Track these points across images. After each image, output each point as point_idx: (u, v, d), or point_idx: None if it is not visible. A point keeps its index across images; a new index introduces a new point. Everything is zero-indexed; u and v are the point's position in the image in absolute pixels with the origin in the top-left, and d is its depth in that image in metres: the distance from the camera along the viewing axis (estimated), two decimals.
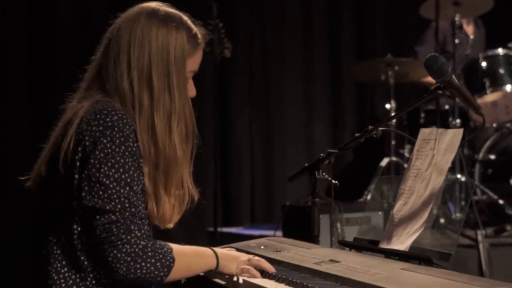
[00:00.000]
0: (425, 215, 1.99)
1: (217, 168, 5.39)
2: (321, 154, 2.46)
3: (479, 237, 4.07)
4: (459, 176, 4.65)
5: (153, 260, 1.76)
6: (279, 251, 2.24)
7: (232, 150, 5.73)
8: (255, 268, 1.95)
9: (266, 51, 5.88)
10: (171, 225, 1.93)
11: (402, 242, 2.00)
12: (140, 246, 1.75)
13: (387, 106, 5.07)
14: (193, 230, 5.20)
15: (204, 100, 5.43)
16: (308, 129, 6.03)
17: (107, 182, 1.75)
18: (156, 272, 1.77)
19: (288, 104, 5.96)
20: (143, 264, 1.75)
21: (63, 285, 1.78)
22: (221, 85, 5.54)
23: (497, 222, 4.50)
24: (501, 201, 4.60)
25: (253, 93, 5.85)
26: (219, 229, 5.19)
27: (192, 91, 1.93)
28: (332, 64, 6.10)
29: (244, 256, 2.00)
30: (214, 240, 4.99)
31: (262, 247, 2.33)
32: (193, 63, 1.91)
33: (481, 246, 4.04)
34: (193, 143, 1.93)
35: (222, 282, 1.98)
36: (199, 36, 1.91)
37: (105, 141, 1.76)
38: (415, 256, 1.91)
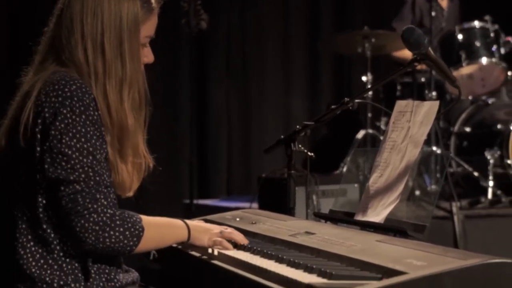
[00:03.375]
0: (400, 187, 1.99)
1: (193, 139, 5.37)
2: (297, 126, 2.45)
3: (454, 209, 4.11)
4: (434, 148, 4.68)
5: (121, 229, 1.75)
6: (255, 223, 2.24)
7: (209, 122, 5.71)
8: (229, 240, 1.94)
9: (244, 23, 5.84)
10: (131, 194, 1.92)
11: (378, 214, 2.00)
12: (108, 215, 1.73)
13: (364, 78, 5.07)
14: (169, 202, 5.21)
15: (180, 72, 5.39)
16: (285, 101, 6.02)
17: (69, 152, 1.74)
18: (125, 241, 1.75)
19: (265, 76, 5.94)
20: (112, 233, 1.73)
21: (30, 259, 1.77)
22: (198, 57, 5.50)
23: (472, 194, 4.55)
24: (476, 173, 4.65)
25: (230, 65, 5.81)
26: (195, 201, 5.18)
27: (149, 57, 1.92)
28: (310, 37, 6.08)
29: (216, 228, 2.00)
30: (190, 212, 4.98)
31: (238, 219, 2.33)
32: (148, 28, 1.88)
33: (455, 218, 4.08)
34: (146, 110, 1.92)
35: (197, 254, 1.97)
36: (153, 0, 1.89)
37: (65, 111, 1.74)
38: (390, 228, 1.91)
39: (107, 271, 1.82)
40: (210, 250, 1.93)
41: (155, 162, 1.97)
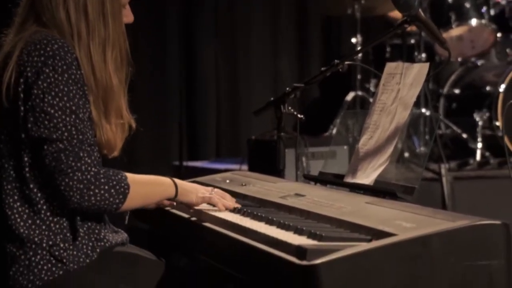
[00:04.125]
0: (390, 149, 2.00)
1: (182, 101, 5.34)
2: (287, 88, 2.44)
3: (443, 171, 4.13)
4: (423, 110, 4.68)
5: (106, 187, 1.74)
6: (245, 185, 2.24)
7: (197, 84, 5.67)
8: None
9: None
10: (116, 153, 1.92)
11: (367, 176, 2.01)
12: (92, 173, 1.73)
13: (353, 40, 5.04)
14: (158, 164, 5.20)
15: (167, 33, 5.33)
16: (274, 63, 5.98)
17: (52, 111, 1.73)
18: (111, 199, 1.75)
19: (254, 37, 5.89)
20: (97, 191, 1.73)
21: (18, 219, 1.76)
22: (186, 17, 5.44)
23: (461, 156, 4.56)
24: (464, 135, 4.66)
25: (219, 25, 5.76)
26: (184, 163, 5.18)
27: (129, 17, 1.92)
28: None
29: (206, 188, 2.00)
30: (179, 174, 4.98)
31: (228, 181, 2.34)
32: None
33: (444, 179, 4.10)
34: (127, 71, 1.91)
35: (185, 215, 1.98)
36: None
37: (47, 70, 1.73)
38: (379, 190, 1.92)
39: (96, 230, 1.82)
40: (198, 211, 1.93)
41: (141, 123, 1.97)
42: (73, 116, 1.75)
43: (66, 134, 1.73)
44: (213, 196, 1.95)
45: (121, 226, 1.99)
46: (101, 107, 1.84)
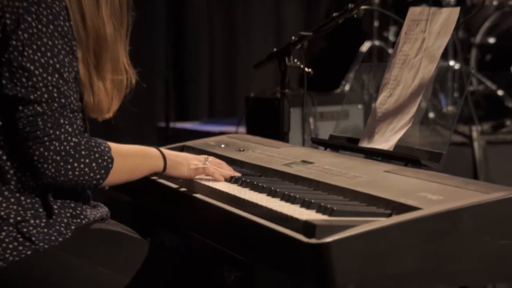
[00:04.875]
0: (413, 109, 2.00)
1: (169, 51, 5.32)
2: (293, 38, 2.43)
3: (474, 134, 4.13)
4: (452, 63, 4.67)
5: (87, 160, 1.74)
6: (242, 150, 2.24)
7: (188, 32, 5.64)
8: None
9: None
10: (110, 115, 1.92)
11: (386, 140, 2.01)
12: (72, 144, 1.73)
13: None
14: (141, 126, 5.21)
15: None
16: (276, 8, 5.95)
17: (32, 67, 1.71)
18: (92, 174, 1.76)
19: None
20: (76, 164, 1.73)
21: None
22: None
23: (495, 117, 4.56)
24: (500, 92, 4.66)
25: None
26: (171, 125, 5.19)
27: None
28: None
29: (199, 157, 2.00)
30: (166, 137, 5.00)
31: (223, 145, 2.34)
32: None
33: (476, 144, 4.11)
34: (128, 16, 1.90)
35: (174, 186, 1.99)
36: None
37: (29, 19, 1.71)
38: (401, 157, 1.92)
39: (72, 205, 1.83)
40: (191, 182, 1.94)
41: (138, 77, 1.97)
42: (56, 75, 1.73)
43: (46, 95, 1.72)
44: (207, 167, 1.96)
45: (100, 199, 2.00)
46: (91, 62, 1.83)
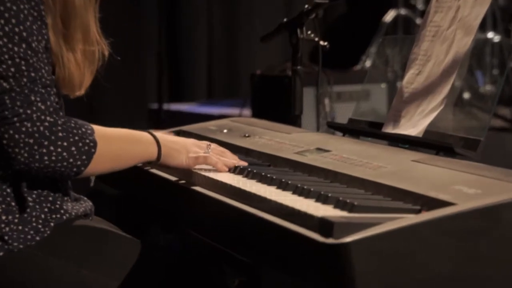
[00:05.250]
0: (445, 89, 2.00)
1: (162, 22, 5.32)
2: (306, 6, 2.43)
3: None
4: (491, 35, 4.66)
5: (65, 143, 1.74)
6: (248, 136, 2.25)
7: (182, 2, 5.65)
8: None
9: None
10: (82, 91, 1.91)
11: (414, 124, 2.01)
12: (46, 124, 1.72)
13: None
14: (128, 108, 5.22)
15: None
16: None
17: None
18: (71, 160, 1.75)
19: None
20: (52, 148, 1.73)
21: None
22: None
23: None
24: None
25: None
26: (164, 106, 5.20)
27: None
28: None
29: (200, 143, 2.00)
30: (158, 120, 5.01)
31: (225, 131, 2.34)
32: None
33: None
34: None
35: (172, 178, 1.99)
36: None
37: None
38: (431, 144, 1.92)
39: (50, 199, 1.83)
40: (191, 173, 1.94)
41: (112, 50, 1.96)
42: (24, 46, 1.73)
43: (13, 69, 1.72)
44: (209, 156, 1.96)
45: (83, 192, 2.00)
46: (60, 29, 1.82)
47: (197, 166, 1.97)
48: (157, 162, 1.95)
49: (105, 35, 1.95)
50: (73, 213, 1.87)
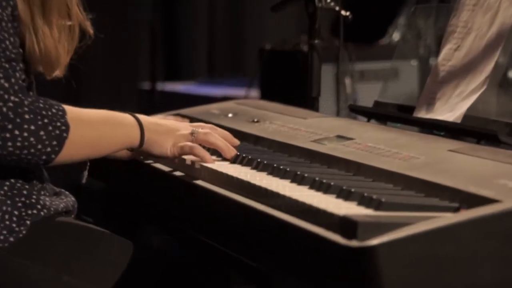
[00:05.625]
0: (488, 67, 2.00)
1: None
2: None
3: None
4: None
5: (32, 127, 1.74)
6: (257, 121, 2.25)
7: None
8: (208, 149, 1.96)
9: None
10: (59, 72, 1.92)
11: (452, 108, 2.01)
12: (10, 104, 1.73)
13: None
14: (117, 88, 5.22)
15: None
16: None
17: None
18: (39, 147, 1.75)
19: None
20: (17, 132, 1.73)
21: None
22: None
23: None
24: None
25: None
26: (158, 86, 5.20)
27: None
28: None
29: (186, 127, 2.00)
30: (151, 102, 5.01)
31: (230, 115, 2.35)
32: None
33: None
34: None
35: (166, 169, 2.00)
36: None
37: None
38: (471, 130, 1.93)
39: (25, 192, 1.83)
40: (188, 162, 1.94)
41: (95, 26, 1.96)
42: None
43: None
44: (196, 147, 1.93)
45: (64, 185, 2.01)
46: (35, 1, 1.83)
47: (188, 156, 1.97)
48: (138, 149, 1.95)
49: (89, 7, 1.95)
50: (52, 209, 1.87)
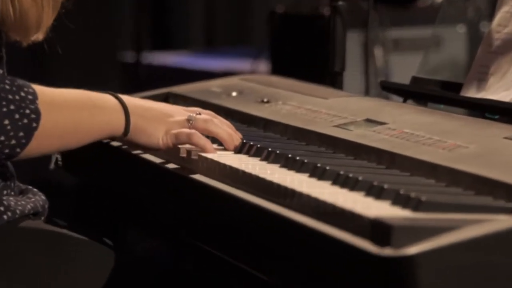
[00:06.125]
0: None
1: None
2: None
3: None
4: None
5: None
6: (267, 102, 2.26)
7: None
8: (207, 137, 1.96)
9: None
10: (40, 36, 1.92)
11: (508, 86, 2.02)
12: None
13: None
14: (95, 59, 5.23)
15: None
16: None
17: None
18: (2, 138, 1.76)
19: None
20: None
21: None
22: None
23: None
24: None
25: None
26: (144, 58, 5.21)
27: None
28: None
29: (181, 112, 2.00)
30: (136, 78, 5.02)
31: (234, 93, 2.35)
32: None
33: None
34: None
35: (156, 160, 2.01)
36: None
37: None
38: None
39: None
40: (182, 148, 1.95)
41: None
42: None
43: None
44: (194, 134, 1.93)
45: (32, 181, 2.02)
46: None
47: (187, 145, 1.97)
48: (123, 138, 1.96)
49: None
50: (18, 211, 1.88)
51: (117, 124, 1.94)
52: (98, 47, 5.17)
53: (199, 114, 1.99)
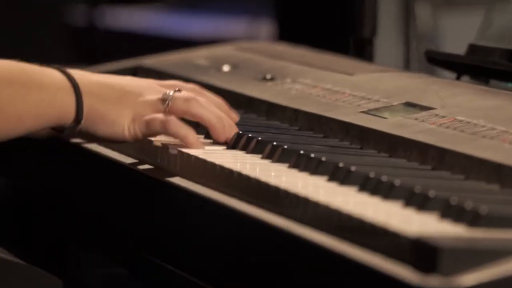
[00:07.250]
0: None
1: None
2: None
3: None
4: None
5: None
6: (271, 79, 2.28)
7: None
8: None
9: None
10: None
11: None
12: None
13: None
14: (30, 20, 5.25)
15: None
16: None
17: None
18: None
19: None
20: None
21: None
22: None
23: None
24: None
25: None
26: (100, 17, 5.22)
27: None
28: None
29: (155, 88, 2.02)
30: (90, 46, 5.05)
31: (226, 68, 2.37)
32: None
33: None
34: None
35: (117, 156, 2.05)
36: None
37: None
38: None
39: None
40: (158, 145, 1.97)
41: None
42: None
43: None
44: (171, 120, 1.95)
45: None
46: None
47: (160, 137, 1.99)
48: (74, 128, 1.97)
49: None
50: None
51: (64, 107, 1.95)
52: (35, 3, 5.19)
53: (179, 90, 2.00)
